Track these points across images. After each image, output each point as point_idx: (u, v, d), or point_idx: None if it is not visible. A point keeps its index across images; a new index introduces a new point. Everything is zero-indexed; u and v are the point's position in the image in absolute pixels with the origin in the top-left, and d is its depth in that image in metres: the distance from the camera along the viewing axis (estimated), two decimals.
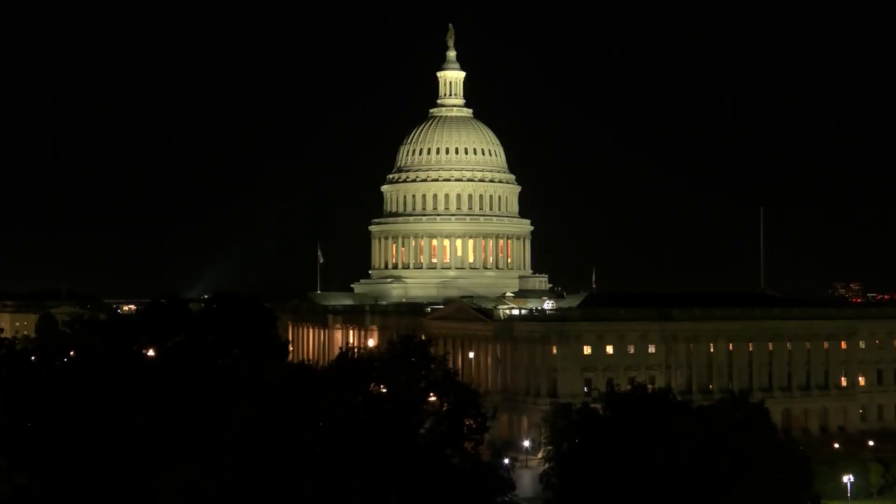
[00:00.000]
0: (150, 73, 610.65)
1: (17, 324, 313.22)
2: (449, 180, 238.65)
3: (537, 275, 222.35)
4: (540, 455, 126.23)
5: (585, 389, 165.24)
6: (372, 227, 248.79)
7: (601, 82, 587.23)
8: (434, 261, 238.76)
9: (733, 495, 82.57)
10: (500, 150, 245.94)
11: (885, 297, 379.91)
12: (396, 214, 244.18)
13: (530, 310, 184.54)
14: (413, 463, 74.60)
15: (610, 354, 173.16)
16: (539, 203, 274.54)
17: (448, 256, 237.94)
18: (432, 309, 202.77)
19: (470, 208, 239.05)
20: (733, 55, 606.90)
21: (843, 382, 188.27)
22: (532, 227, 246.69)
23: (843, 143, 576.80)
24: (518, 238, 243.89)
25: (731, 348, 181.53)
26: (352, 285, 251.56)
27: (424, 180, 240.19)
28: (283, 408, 74.33)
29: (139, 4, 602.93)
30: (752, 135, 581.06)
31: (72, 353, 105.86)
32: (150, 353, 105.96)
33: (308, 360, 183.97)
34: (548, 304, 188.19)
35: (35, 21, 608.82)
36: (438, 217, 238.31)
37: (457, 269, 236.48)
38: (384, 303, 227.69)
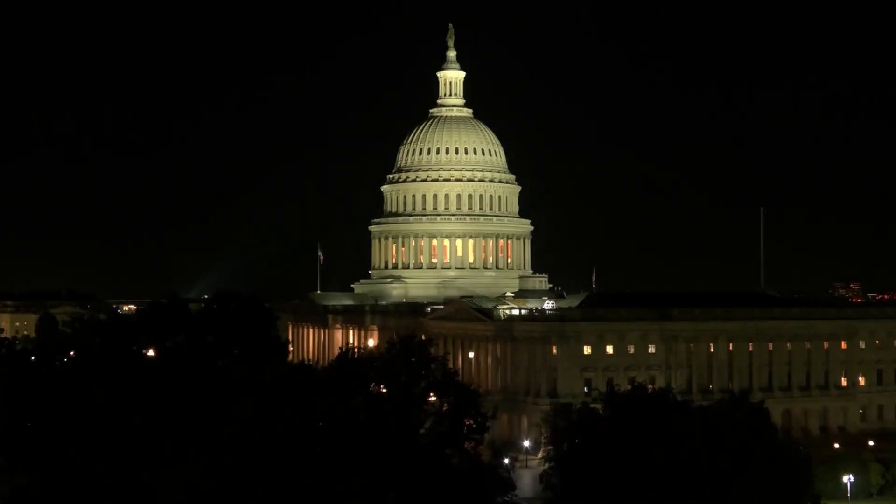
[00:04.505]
0: (150, 74, 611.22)
1: (17, 324, 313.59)
2: (449, 180, 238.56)
3: (537, 275, 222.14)
4: (540, 455, 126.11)
5: (585, 389, 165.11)
6: (372, 227, 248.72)
7: (601, 82, 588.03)
8: (434, 261, 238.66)
9: (733, 495, 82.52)
10: (500, 150, 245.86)
11: (885, 297, 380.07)
12: (396, 214, 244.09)
13: (530, 310, 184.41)
14: (413, 463, 74.60)
15: (610, 354, 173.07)
16: (539, 203, 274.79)
17: (448, 256, 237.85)
18: (432, 309, 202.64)
19: (470, 208, 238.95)
20: (733, 55, 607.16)
21: (843, 382, 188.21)
22: (532, 227, 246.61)
23: (844, 144, 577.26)
24: (518, 238, 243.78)
25: (731, 348, 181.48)
26: (352, 285, 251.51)
27: (424, 180, 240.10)
28: (283, 408, 74.30)
29: (141, 6, 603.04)
30: (753, 135, 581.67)
31: (72, 353, 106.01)
32: (150, 353, 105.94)
33: (308, 360, 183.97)
34: (548, 304, 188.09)
35: (36, 21, 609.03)
36: (438, 217, 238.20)
37: (457, 269, 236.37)
38: (384, 303, 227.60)
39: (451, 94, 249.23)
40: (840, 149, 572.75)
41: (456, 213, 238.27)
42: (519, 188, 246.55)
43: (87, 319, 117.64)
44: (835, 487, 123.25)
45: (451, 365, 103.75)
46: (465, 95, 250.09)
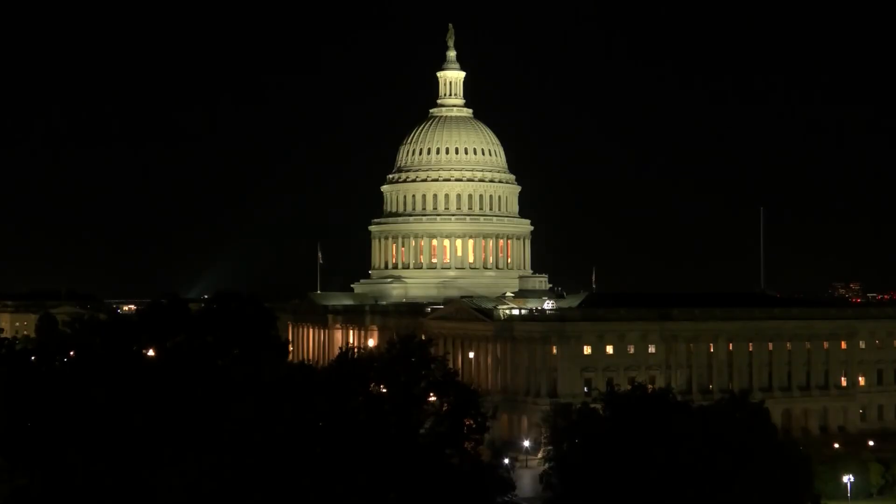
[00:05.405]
0: (151, 74, 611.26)
1: (17, 324, 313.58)
2: (449, 180, 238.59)
3: (537, 275, 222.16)
4: (540, 455, 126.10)
5: (585, 389, 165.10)
6: (372, 227, 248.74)
7: (601, 82, 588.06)
8: (434, 261, 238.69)
9: (733, 495, 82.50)
10: (500, 150, 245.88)
11: (885, 297, 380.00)
12: (396, 214, 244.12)
13: (530, 310, 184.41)
14: (413, 463, 74.58)
15: (610, 354, 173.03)
16: (539, 203, 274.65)
17: (448, 256, 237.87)
18: (432, 309, 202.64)
19: (470, 208, 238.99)
20: (734, 55, 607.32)
21: (843, 382, 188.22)
22: (532, 227, 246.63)
23: (843, 144, 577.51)
24: (518, 238, 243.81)
25: (731, 348, 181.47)
26: (352, 285, 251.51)
27: (424, 180, 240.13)
28: (283, 408, 74.30)
29: (142, 6, 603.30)
30: (753, 134, 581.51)
31: (72, 353, 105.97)
32: (150, 353, 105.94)
33: (308, 360, 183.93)
34: (548, 304, 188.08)
35: (36, 20, 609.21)
36: (438, 217, 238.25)
37: (457, 269, 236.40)
38: (384, 303, 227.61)
39: (451, 94, 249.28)
40: (840, 149, 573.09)
41: (456, 213, 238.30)
42: (519, 188, 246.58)
43: (87, 319, 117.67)
44: (835, 487, 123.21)
45: (451, 365, 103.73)
46: (465, 95, 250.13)
